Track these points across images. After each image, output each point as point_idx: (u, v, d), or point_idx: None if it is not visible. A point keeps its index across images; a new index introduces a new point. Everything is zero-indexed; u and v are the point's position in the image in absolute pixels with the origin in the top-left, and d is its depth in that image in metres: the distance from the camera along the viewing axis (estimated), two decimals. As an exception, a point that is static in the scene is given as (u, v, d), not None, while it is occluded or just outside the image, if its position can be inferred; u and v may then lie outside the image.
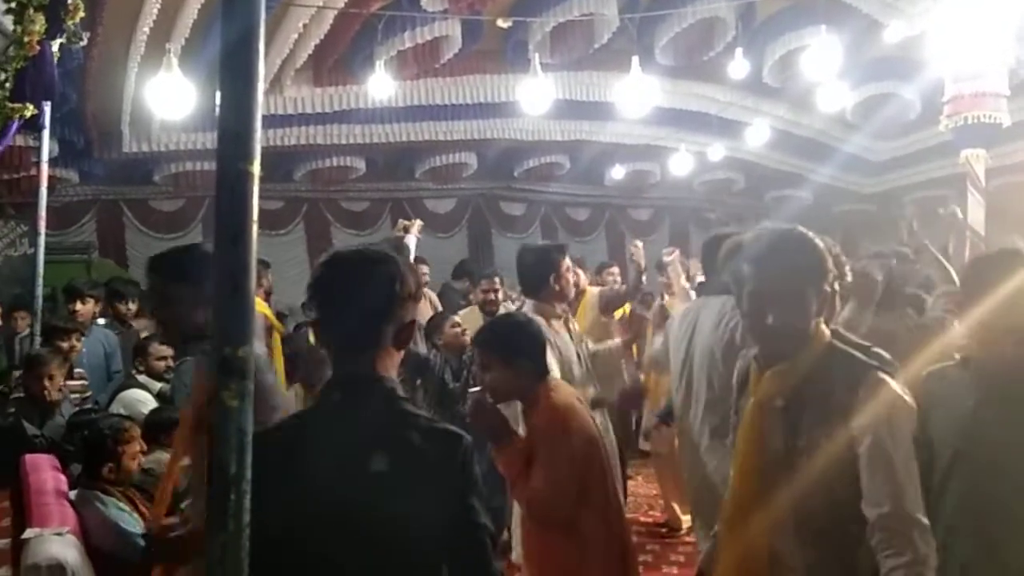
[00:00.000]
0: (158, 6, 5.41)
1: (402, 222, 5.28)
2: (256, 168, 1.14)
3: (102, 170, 8.39)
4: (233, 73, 1.16)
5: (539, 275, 3.52)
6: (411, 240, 5.10)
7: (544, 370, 2.63)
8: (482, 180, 10.96)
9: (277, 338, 5.81)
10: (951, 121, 5.70)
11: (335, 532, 1.44)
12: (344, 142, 8.45)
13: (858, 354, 1.74)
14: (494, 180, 11.21)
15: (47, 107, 4.28)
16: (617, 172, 11.14)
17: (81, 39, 3.85)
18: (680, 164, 10.12)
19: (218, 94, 1.16)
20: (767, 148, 9.89)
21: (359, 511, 1.44)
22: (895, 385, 1.68)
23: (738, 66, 7.01)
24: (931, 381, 2.14)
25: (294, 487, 1.45)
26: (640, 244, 4.83)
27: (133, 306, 5.71)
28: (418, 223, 5.30)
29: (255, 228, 1.15)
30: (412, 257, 4.71)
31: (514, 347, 2.57)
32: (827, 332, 1.79)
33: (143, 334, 5.21)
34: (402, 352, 1.63)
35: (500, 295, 5.10)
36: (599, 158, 10.60)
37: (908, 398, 1.69)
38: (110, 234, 9.64)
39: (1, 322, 6.44)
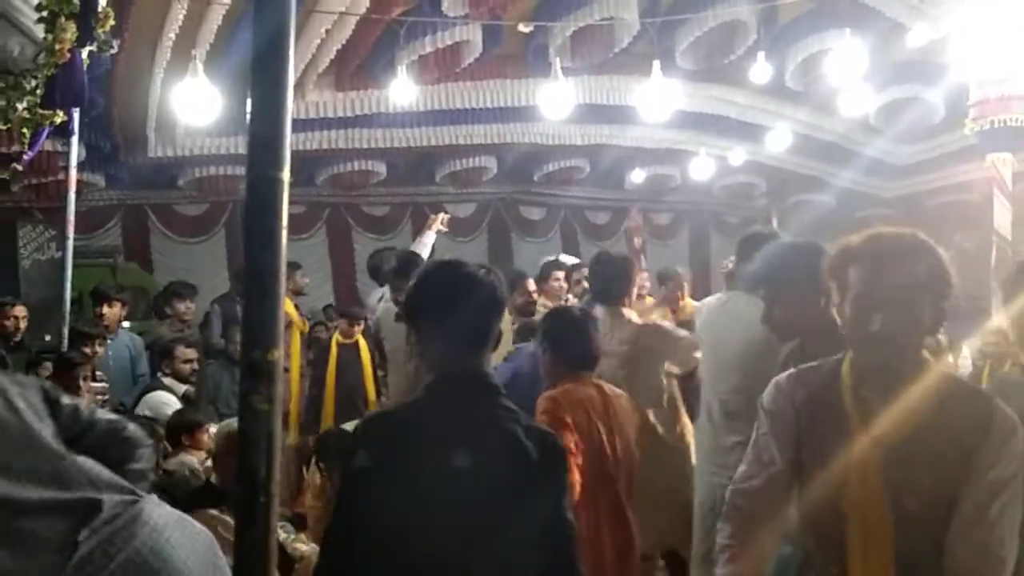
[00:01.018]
0: (184, 13, 5.47)
1: (432, 217, 5.29)
2: (286, 175, 1.16)
3: (128, 175, 8.49)
4: (264, 80, 1.17)
5: (619, 286, 3.59)
6: (430, 237, 5.09)
7: (573, 368, 2.65)
8: (502, 184, 10.96)
9: (296, 334, 5.89)
10: (976, 124, 5.65)
11: (442, 519, 1.52)
12: (365, 146, 8.49)
13: (972, 384, 1.70)
14: (514, 184, 11.20)
15: (76, 113, 4.33)
16: (637, 176, 11.09)
17: (112, 47, 3.89)
18: (700, 168, 10.06)
19: (248, 101, 1.18)
20: (788, 152, 9.81)
21: (468, 500, 1.52)
22: (1016, 417, 1.60)
23: (760, 70, 6.96)
24: (998, 388, 2.08)
25: (404, 473, 1.54)
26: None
27: (192, 304, 5.95)
28: (442, 216, 5.29)
29: (285, 234, 1.16)
30: (427, 256, 4.71)
31: (545, 334, 2.71)
32: (931, 359, 1.70)
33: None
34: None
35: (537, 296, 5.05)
36: (619, 162, 10.56)
37: None
38: (135, 238, 9.73)
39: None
